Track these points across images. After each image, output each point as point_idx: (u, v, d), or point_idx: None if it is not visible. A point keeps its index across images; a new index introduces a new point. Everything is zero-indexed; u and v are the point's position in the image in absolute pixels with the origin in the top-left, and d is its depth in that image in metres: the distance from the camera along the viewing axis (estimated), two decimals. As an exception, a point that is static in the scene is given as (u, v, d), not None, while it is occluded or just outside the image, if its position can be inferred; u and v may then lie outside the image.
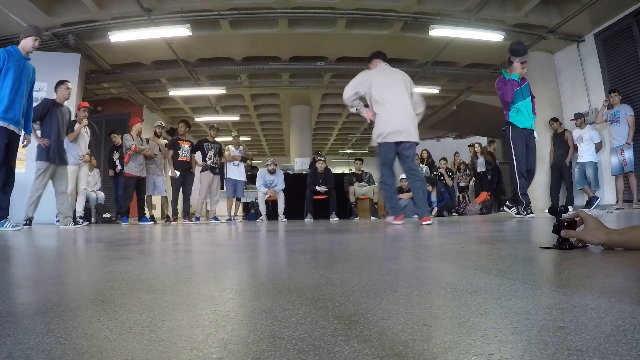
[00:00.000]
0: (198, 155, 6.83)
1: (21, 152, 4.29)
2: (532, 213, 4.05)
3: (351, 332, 0.45)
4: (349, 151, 17.66)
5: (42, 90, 4.76)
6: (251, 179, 7.85)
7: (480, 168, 8.44)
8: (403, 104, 3.79)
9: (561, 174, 6.80)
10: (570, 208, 5.90)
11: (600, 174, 6.42)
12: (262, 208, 7.08)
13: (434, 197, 7.04)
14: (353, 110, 4.04)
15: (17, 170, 3.93)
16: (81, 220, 5.43)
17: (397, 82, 3.86)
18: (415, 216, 5.56)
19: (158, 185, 6.59)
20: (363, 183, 7.64)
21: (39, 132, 4.36)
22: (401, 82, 3.86)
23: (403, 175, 5.85)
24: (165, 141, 7.05)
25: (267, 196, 7.10)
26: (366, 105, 3.99)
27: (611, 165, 6.06)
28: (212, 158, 6.74)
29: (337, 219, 6.71)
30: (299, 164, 9.44)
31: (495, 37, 6.95)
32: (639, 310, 0.49)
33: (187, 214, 6.60)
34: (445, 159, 8.75)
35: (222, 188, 7.18)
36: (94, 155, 6.51)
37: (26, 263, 1.42)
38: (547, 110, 7.16)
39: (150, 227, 4.85)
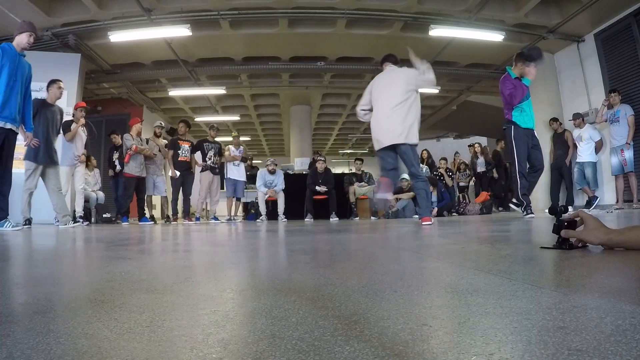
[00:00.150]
0: (198, 155, 6.83)
1: (21, 153, 4.28)
2: (532, 213, 4.05)
3: (351, 332, 0.45)
4: (349, 151, 17.66)
5: (42, 90, 4.74)
6: (251, 179, 7.84)
7: (480, 168, 8.45)
8: (391, 107, 3.63)
9: (561, 174, 6.80)
10: (570, 208, 5.90)
11: (600, 174, 6.42)
12: (262, 208, 7.08)
13: (434, 197, 7.03)
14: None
15: (15, 170, 3.90)
16: (81, 220, 5.43)
17: (395, 86, 3.70)
18: (416, 216, 5.57)
19: (158, 185, 6.59)
20: (363, 183, 7.64)
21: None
22: (399, 84, 3.68)
23: (404, 175, 5.84)
24: (165, 141, 7.04)
25: (267, 196, 7.10)
26: None
27: (611, 165, 6.05)
28: (212, 158, 6.74)
29: (337, 219, 6.70)
30: (299, 164, 9.44)
31: (495, 37, 6.95)
32: (639, 310, 0.49)
33: (187, 214, 6.60)
34: (445, 159, 8.75)
35: (222, 188, 7.18)
36: (94, 155, 6.50)
37: (26, 263, 1.42)
38: (547, 110, 7.16)
39: (150, 227, 4.85)
